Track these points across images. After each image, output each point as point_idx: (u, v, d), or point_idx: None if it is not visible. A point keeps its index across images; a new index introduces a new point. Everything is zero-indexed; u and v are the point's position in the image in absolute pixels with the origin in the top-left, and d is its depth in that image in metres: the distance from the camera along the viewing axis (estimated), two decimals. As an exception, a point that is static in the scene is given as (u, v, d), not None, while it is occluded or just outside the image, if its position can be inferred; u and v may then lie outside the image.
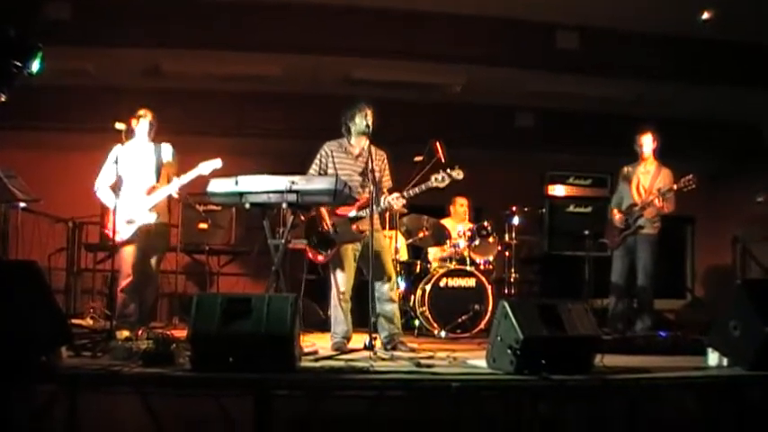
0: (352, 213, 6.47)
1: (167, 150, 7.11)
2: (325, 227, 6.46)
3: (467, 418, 4.69)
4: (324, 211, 6.47)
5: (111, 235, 6.75)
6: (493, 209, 9.62)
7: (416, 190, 6.48)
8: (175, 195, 7.04)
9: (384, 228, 7.33)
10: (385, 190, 6.67)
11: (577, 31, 9.33)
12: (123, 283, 6.84)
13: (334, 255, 6.49)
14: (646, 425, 4.89)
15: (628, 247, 8.04)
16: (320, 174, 6.54)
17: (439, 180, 6.47)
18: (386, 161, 6.73)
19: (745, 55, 9.37)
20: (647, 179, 8.02)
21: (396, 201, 6.47)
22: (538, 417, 4.85)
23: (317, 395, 4.69)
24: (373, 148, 6.52)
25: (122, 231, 6.79)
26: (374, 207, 6.22)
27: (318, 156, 6.65)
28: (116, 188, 6.81)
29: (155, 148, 7.05)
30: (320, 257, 6.56)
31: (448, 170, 6.50)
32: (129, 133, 6.81)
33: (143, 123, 6.99)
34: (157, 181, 6.96)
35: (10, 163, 7.36)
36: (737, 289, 5.57)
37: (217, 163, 6.82)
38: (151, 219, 6.84)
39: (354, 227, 6.47)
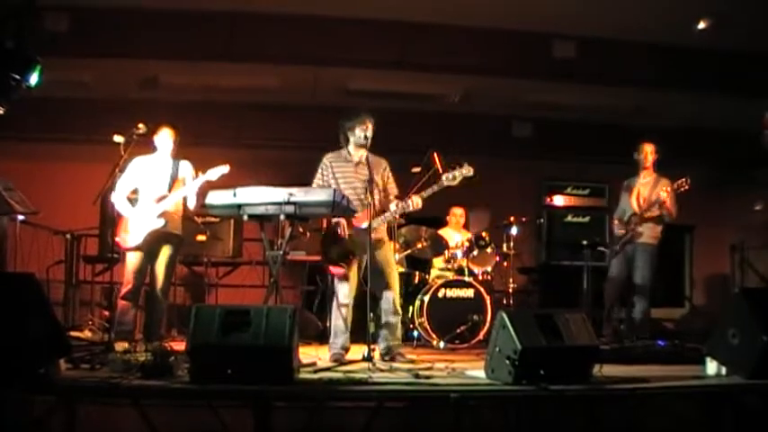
0: (365, 224, 6.45)
1: (186, 167, 7.17)
2: (344, 237, 6.46)
3: (465, 429, 4.68)
4: (344, 222, 6.48)
5: (119, 242, 6.83)
6: (491, 219, 9.62)
7: (430, 191, 6.51)
8: (190, 206, 7.09)
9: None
10: (392, 197, 6.68)
11: (574, 40, 9.34)
12: (124, 289, 6.87)
13: (351, 266, 6.49)
14: (645, 435, 4.89)
15: (626, 254, 8.04)
16: (323, 186, 6.54)
17: (450, 179, 6.49)
18: (388, 169, 6.75)
19: (741, 64, 9.39)
20: (647, 189, 8.05)
21: (414, 201, 6.50)
22: (537, 427, 4.85)
23: (316, 407, 4.69)
24: (373, 158, 6.55)
25: (132, 238, 6.82)
26: (377, 218, 6.23)
27: (320, 168, 6.66)
28: (132, 199, 6.87)
29: (173, 163, 7.11)
30: (340, 270, 6.53)
31: (458, 167, 6.52)
32: (148, 144, 6.87)
33: (167, 139, 7.08)
34: (169, 192, 7.01)
35: (8, 175, 7.37)
36: (736, 297, 5.59)
37: (224, 169, 6.86)
38: (159, 224, 6.86)
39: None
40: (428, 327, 8.17)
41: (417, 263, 9.20)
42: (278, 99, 10.38)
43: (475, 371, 5.42)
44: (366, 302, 6.15)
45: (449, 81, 10.02)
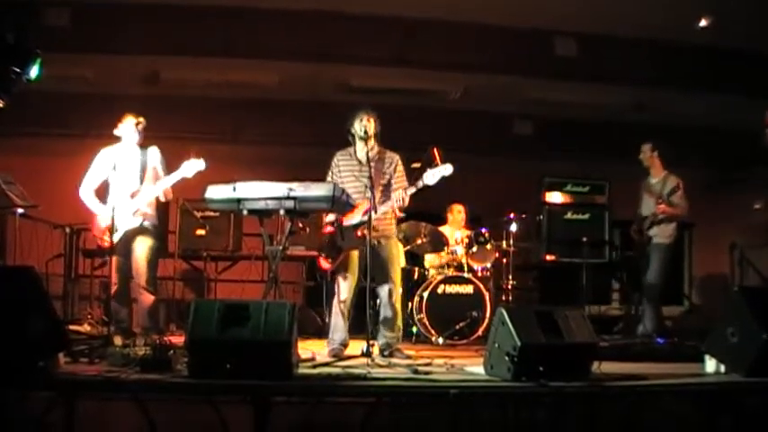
0: (357, 219, 6.46)
1: (154, 154, 7.03)
2: (334, 233, 6.48)
3: (464, 426, 4.68)
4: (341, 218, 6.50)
5: (99, 241, 6.79)
6: (491, 216, 9.61)
7: (410, 190, 6.48)
8: (162, 198, 6.99)
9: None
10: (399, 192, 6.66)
11: (576, 38, 9.34)
12: (112, 290, 6.84)
13: (340, 262, 6.49)
14: (643, 432, 4.90)
15: (646, 256, 8.10)
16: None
17: (429, 177, 6.43)
18: (398, 164, 6.73)
19: (742, 62, 9.39)
20: (654, 194, 8.10)
21: (398, 195, 6.49)
22: (535, 424, 4.85)
23: (315, 402, 4.69)
24: (384, 153, 6.58)
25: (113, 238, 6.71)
26: (374, 213, 6.22)
27: (330, 167, 6.72)
28: (102, 192, 6.78)
29: (141, 152, 6.98)
30: (327, 265, 6.55)
31: (437, 166, 6.47)
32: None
33: (131, 128, 6.92)
34: (141, 185, 6.88)
35: (8, 169, 7.37)
36: (735, 296, 5.58)
37: (200, 164, 6.75)
38: (135, 223, 6.79)
39: (359, 233, 6.45)
40: (427, 323, 8.18)
41: (413, 258, 9.21)
42: (279, 95, 10.38)
43: (474, 367, 5.42)
44: (366, 298, 6.15)
45: (450, 78, 10.02)
